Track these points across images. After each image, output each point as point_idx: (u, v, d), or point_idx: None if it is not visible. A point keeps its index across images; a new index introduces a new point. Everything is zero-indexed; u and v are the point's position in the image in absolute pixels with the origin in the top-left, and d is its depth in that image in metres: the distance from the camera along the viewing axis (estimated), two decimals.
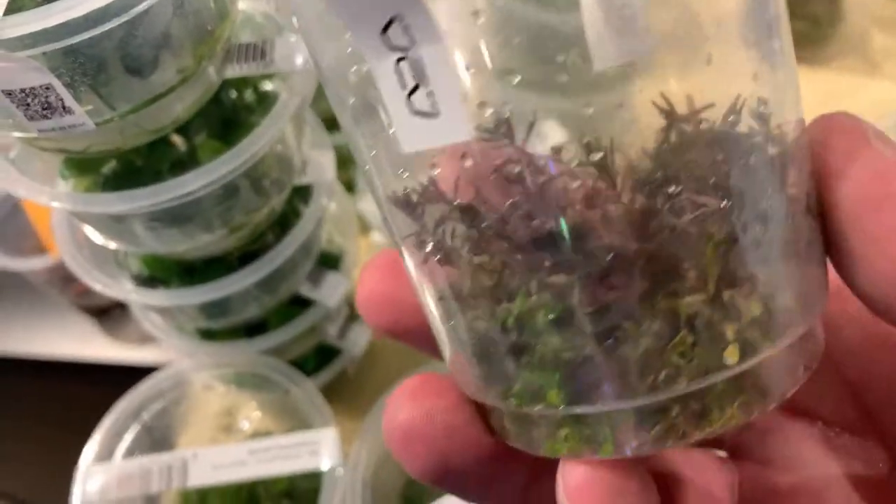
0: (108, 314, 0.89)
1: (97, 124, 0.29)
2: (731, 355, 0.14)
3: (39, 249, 0.80)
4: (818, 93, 0.85)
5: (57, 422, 0.82)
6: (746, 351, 0.14)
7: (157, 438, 0.50)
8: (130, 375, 0.52)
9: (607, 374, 0.14)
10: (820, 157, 0.15)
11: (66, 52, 0.26)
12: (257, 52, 0.36)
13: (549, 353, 0.14)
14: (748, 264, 0.14)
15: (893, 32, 0.89)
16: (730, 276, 0.14)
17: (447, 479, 0.16)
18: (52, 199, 0.32)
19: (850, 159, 0.14)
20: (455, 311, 0.15)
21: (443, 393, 0.16)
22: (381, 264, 0.18)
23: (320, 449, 0.46)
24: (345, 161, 0.65)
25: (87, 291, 0.68)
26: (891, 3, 0.90)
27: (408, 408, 0.16)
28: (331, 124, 0.63)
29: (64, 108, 0.27)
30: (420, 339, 0.17)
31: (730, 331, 0.14)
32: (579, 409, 0.15)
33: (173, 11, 0.29)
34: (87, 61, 0.27)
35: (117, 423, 0.48)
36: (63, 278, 0.77)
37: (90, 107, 0.28)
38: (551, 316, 0.14)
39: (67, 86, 0.27)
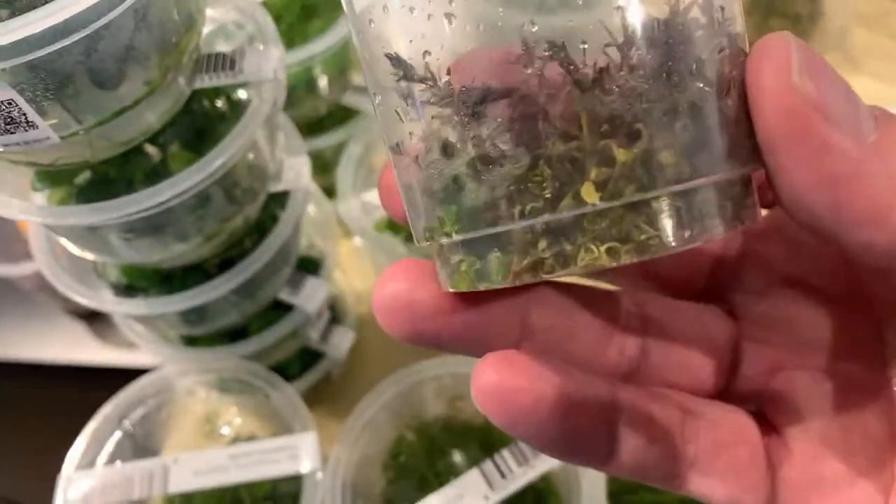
0: (98, 318, 0.89)
1: (63, 138, 0.29)
2: (587, 194, 0.16)
3: (28, 254, 0.80)
4: None
5: (47, 425, 0.82)
6: (608, 193, 0.16)
7: (139, 444, 0.50)
8: (120, 378, 0.52)
9: (486, 203, 0.16)
10: (748, 78, 0.16)
11: (27, 68, 0.26)
12: (227, 62, 0.36)
13: (449, 189, 0.17)
14: (626, 116, 0.16)
15: (874, 29, 0.89)
16: (604, 123, 0.16)
17: (422, 339, 0.20)
18: (21, 212, 0.32)
19: (769, 92, 0.16)
20: (413, 169, 0.18)
21: (418, 272, 0.19)
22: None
23: (300, 453, 0.46)
24: (325, 165, 0.65)
25: None
26: (872, 0, 0.90)
27: (390, 285, 0.19)
28: (306, 129, 0.64)
29: (27, 122, 0.28)
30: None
31: (592, 172, 0.16)
32: (465, 236, 0.17)
33: (135, 24, 0.29)
34: (50, 76, 0.27)
35: (99, 430, 0.48)
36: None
37: (55, 120, 0.29)
38: (452, 156, 0.17)
39: (30, 101, 0.27)
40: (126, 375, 0.52)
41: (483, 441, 0.52)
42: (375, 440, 0.50)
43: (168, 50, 0.32)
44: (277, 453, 0.47)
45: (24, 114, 0.27)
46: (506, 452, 0.45)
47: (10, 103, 0.27)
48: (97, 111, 0.30)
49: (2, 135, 0.28)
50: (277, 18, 0.56)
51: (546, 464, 0.45)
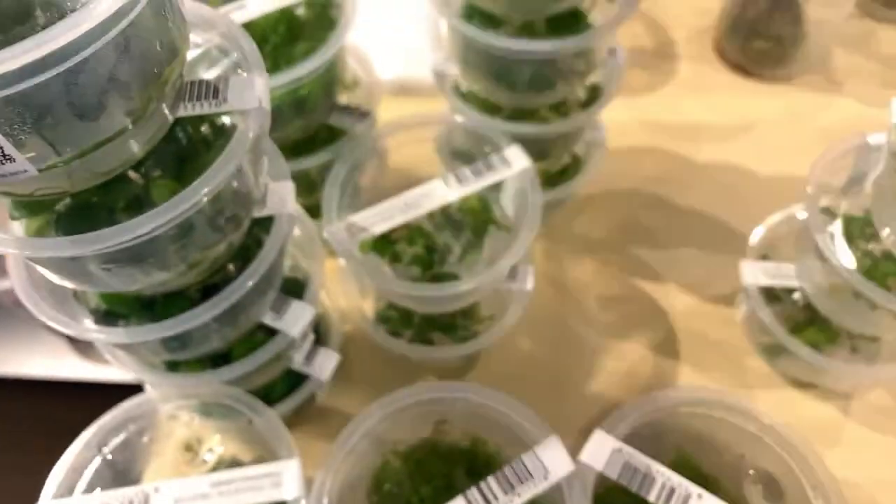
0: None
1: (41, 170, 0.29)
2: None
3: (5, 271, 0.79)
4: (782, 110, 0.86)
5: (26, 440, 0.80)
6: None
7: (119, 471, 0.49)
8: (102, 393, 0.51)
9: None
10: None
11: (2, 102, 0.26)
12: (210, 90, 0.36)
13: None
14: None
15: (855, 51, 0.90)
16: None
17: None
18: None
19: None
20: None
21: None
22: None
23: (283, 480, 0.46)
24: (310, 185, 0.65)
25: None
26: (853, 23, 0.91)
27: None
28: (291, 150, 0.64)
29: (3, 156, 0.27)
30: None
31: None
32: None
33: (117, 57, 0.28)
34: (27, 109, 0.26)
35: (78, 457, 0.47)
36: None
37: (32, 153, 0.28)
38: None
39: (6, 134, 0.26)
40: (108, 391, 0.51)
41: (469, 465, 0.52)
42: (359, 466, 0.50)
43: (151, 81, 0.31)
44: (260, 480, 0.46)
45: (1, 147, 0.27)
46: (491, 480, 0.45)
47: None
48: (77, 143, 0.29)
49: None
50: (263, 40, 0.55)
51: (531, 491, 0.45)
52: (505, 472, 0.45)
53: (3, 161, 0.27)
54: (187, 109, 0.35)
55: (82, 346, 0.92)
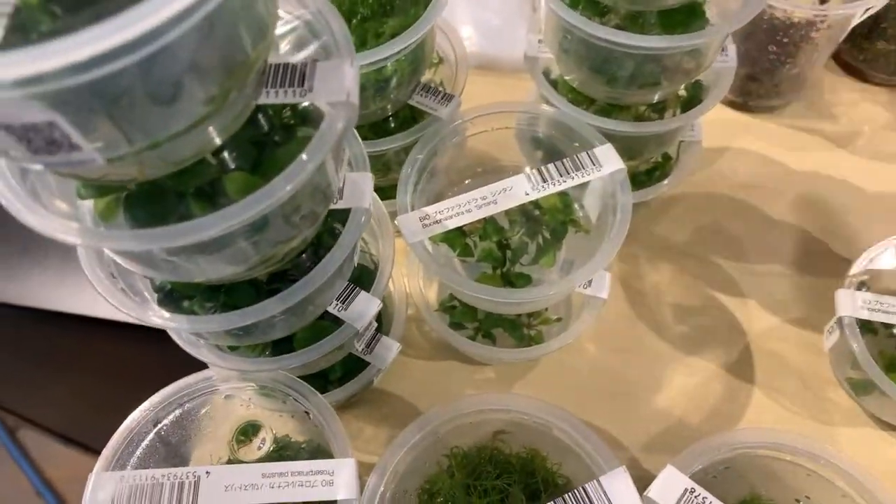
0: None
1: (110, 160, 0.27)
2: None
3: None
4: None
5: (100, 371, 0.81)
6: None
7: (172, 448, 0.48)
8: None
9: None
10: None
11: (72, 90, 0.23)
12: (296, 76, 0.33)
13: None
14: None
15: None
16: None
17: None
18: (61, 232, 0.29)
19: None
20: None
21: None
22: None
23: (336, 480, 0.44)
24: (386, 165, 0.62)
25: None
26: None
27: None
28: (369, 130, 0.61)
29: (71, 144, 0.25)
30: None
31: None
32: None
33: (200, 42, 0.26)
34: (97, 98, 0.24)
35: (133, 430, 0.47)
36: None
37: (101, 143, 0.26)
38: None
39: (74, 123, 0.24)
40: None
41: (525, 479, 0.50)
42: (415, 470, 0.48)
43: (236, 67, 0.29)
44: (313, 477, 0.45)
45: (68, 136, 0.25)
46: None
47: (50, 125, 0.24)
48: (151, 133, 0.27)
49: (43, 154, 0.25)
50: (351, 13, 0.52)
51: None
52: (567, 499, 0.43)
53: (70, 150, 0.25)
54: (269, 97, 0.32)
55: None
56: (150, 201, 0.35)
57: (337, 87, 0.32)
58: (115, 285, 0.39)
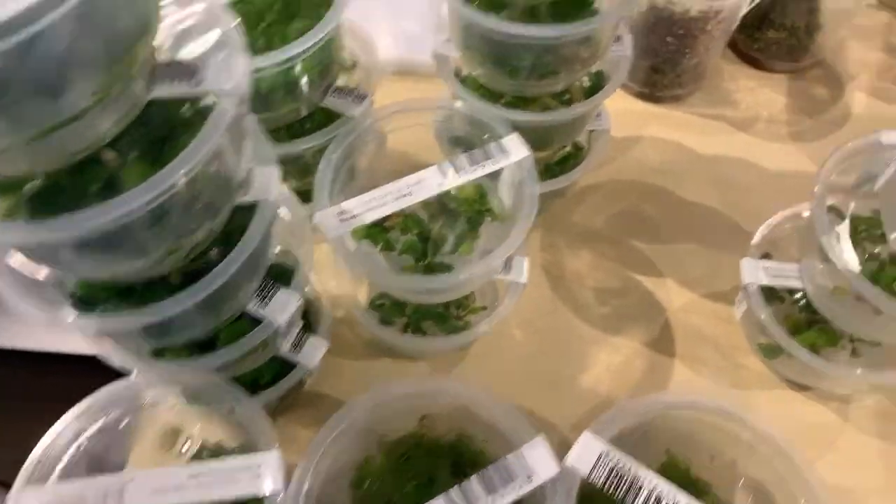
0: None
1: None
2: None
3: None
4: (793, 104, 0.83)
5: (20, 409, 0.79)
6: None
7: (97, 459, 0.48)
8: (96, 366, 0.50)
9: None
10: None
11: None
12: (187, 70, 0.34)
13: None
14: None
15: (870, 44, 0.87)
16: None
17: None
18: None
19: None
20: None
21: None
22: None
23: (263, 472, 0.45)
24: (305, 168, 0.63)
25: None
26: (870, 13, 0.88)
27: None
28: (286, 132, 0.62)
29: None
30: None
31: None
32: None
33: (77, 30, 0.27)
34: None
35: (54, 443, 0.46)
36: None
37: None
38: None
39: None
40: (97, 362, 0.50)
41: (453, 462, 0.51)
42: (343, 458, 0.49)
43: (117, 58, 0.29)
44: (239, 473, 0.45)
45: None
46: (474, 479, 0.44)
47: None
48: (35, 123, 0.28)
49: None
50: (258, 17, 0.53)
51: (514, 492, 0.43)
52: (489, 471, 0.44)
53: None
54: (160, 91, 0.33)
55: None
56: (50, 201, 0.35)
57: (227, 78, 0.34)
58: (25, 289, 0.39)
